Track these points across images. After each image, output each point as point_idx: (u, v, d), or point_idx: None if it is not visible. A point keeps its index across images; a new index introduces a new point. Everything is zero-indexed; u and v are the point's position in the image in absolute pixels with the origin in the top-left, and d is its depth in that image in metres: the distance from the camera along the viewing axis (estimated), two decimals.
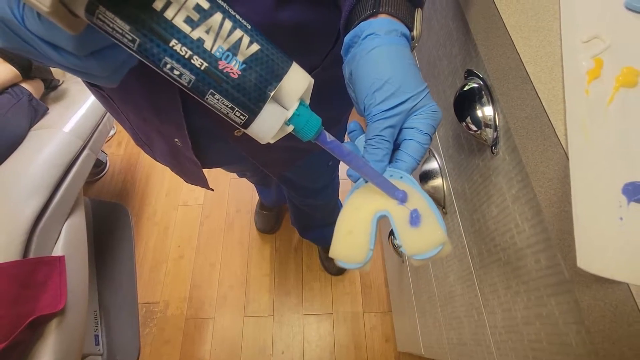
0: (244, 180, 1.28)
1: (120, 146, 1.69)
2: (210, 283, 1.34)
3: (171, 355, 1.23)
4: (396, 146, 0.30)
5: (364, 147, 0.29)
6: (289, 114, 0.24)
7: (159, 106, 0.41)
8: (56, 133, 1.05)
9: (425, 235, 0.26)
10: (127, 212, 1.50)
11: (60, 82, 1.25)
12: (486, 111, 0.38)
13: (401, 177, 0.29)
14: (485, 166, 0.41)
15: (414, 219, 0.27)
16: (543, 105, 0.27)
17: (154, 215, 1.50)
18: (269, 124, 0.24)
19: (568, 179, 0.25)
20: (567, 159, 0.25)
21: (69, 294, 0.89)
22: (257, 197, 1.44)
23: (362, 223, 0.28)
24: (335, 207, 1.12)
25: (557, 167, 0.26)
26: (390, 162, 0.29)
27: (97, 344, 1.20)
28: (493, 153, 0.38)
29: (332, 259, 1.28)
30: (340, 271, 1.31)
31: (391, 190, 0.28)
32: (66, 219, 1.00)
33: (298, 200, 0.96)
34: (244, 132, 0.49)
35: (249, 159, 0.56)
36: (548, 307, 0.31)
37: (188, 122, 0.43)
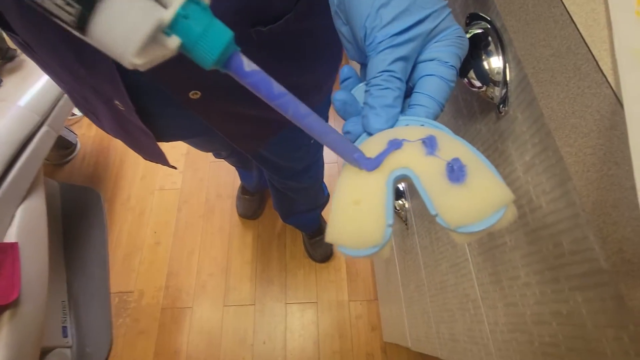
0: (225, 163, 1.20)
1: (92, 127, 1.58)
2: (188, 271, 1.27)
3: (146, 347, 1.16)
4: (409, 89, 0.22)
5: (366, 90, 0.21)
6: (168, 14, 0.15)
7: (81, 51, 0.32)
8: (10, 107, 0.95)
9: (477, 194, 0.17)
10: (99, 196, 1.40)
11: (18, 52, 1.13)
12: (493, 62, 0.31)
13: (422, 125, 0.20)
14: (488, 131, 0.34)
15: (456, 171, 0.18)
16: (580, 33, 0.20)
17: (128, 200, 1.40)
18: (125, 23, 0.14)
19: (615, 130, 0.18)
20: (618, 101, 0.18)
21: (24, 284, 0.81)
22: (238, 181, 1.36)
23: (373, 188, 0.19)
24: (319, 191, 1.04)
25: (597, 116, 0.19)
26: (402, 110, 0.21)
27: (66, 335, 1.13)
28: (500, 112, 0.31)
29: (318, 246, 1.18)
30: (325, 258, 1.24)
31: (350, 152, 0.19)
32: (21, 202, 0.91)
33: (278, 182, 0.89)
34: (202, 95, 0.41)
35: (214, 130, 0.48)
36: (570, 304, 0.24)
37: (123, 76, 0.34)
